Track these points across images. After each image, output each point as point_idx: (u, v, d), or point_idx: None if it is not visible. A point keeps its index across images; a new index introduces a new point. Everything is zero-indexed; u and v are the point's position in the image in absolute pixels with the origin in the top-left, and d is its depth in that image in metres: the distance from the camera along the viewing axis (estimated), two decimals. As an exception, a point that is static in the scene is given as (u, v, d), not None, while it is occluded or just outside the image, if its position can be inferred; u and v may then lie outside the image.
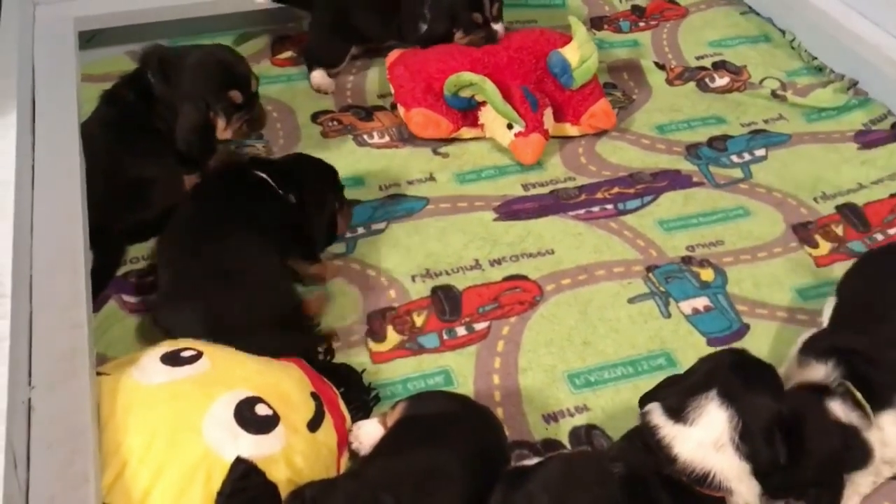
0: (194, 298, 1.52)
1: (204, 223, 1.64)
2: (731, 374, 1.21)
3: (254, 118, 1.93)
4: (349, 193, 1.90)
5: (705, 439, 1.18)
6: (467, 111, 2.10)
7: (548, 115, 2.08)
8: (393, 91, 2.20)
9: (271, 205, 1.71)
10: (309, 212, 1.75)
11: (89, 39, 2.32)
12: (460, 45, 2.20)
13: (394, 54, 2.26)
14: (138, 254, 1.80)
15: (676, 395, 1.22)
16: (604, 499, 1.17)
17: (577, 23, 2.15)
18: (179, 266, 1.60)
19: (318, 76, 2.28)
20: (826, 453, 1.27)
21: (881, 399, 1.34)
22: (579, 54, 2.08)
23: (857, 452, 1.30)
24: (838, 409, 1.31)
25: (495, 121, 2.07)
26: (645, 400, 1.28)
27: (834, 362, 1.37)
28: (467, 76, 2.02)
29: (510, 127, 2.04)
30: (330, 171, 1.85)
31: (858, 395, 1.31)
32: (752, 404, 1.18)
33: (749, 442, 1.17)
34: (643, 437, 1.21)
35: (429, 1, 2.20)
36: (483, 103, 2.07)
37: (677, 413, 1.20)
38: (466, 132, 2.12)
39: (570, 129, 2.15)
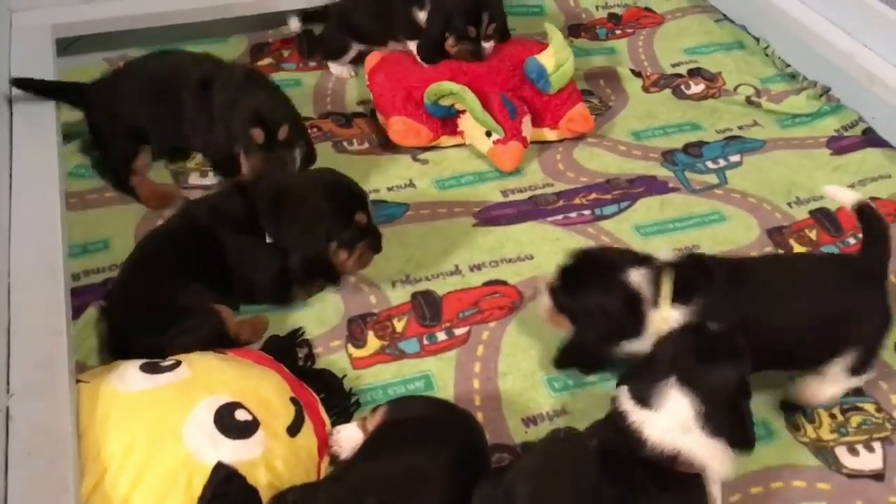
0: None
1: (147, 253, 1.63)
2: (689, 356, 1.23)
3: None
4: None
5: (672, 424, 1.20)
6: (447, 119, 2.12)
7: (526, 122, 2.10)
8: (373, 99, 2.21)
9: (221, 239, 1.61)
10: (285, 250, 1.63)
11: (67, 46, 2.32)
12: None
13: (373, 59, 2.27)
14: (117, 261, 1.79)
15: (641, 381, 1.24)
16: (582, 484, 1.19)
17: (553, 29, 2.18)
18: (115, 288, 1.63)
19: (333, 66, 2.39)
20: None
21: None
22: (555, 59, 2.11)
23: None
24: None
25: (474, 128, 2.09)
26: (621, 381, 1.31)
27: None
28: (447, 85, 2.04)
29: (489, 135, 2.06)
30: (341, 200, 1.64)
31: None
32: (711, 384, 1.20)
33: (715, 421, 1.20)
34: (615, 420, 1.24)
35: None
36: (463, 111, 2.09)
37: (643, 399, 1.22)
38: (446, 140, 2.14)
39: (549, 134, 2.17)
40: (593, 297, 1.46)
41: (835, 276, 1.52)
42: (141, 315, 1.51)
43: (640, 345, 1.44)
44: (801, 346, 1.48)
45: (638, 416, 1.21)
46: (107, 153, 1.96)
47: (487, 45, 2.16)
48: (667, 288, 1.43)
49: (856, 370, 1.49)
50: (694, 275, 1.45)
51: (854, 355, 1.48)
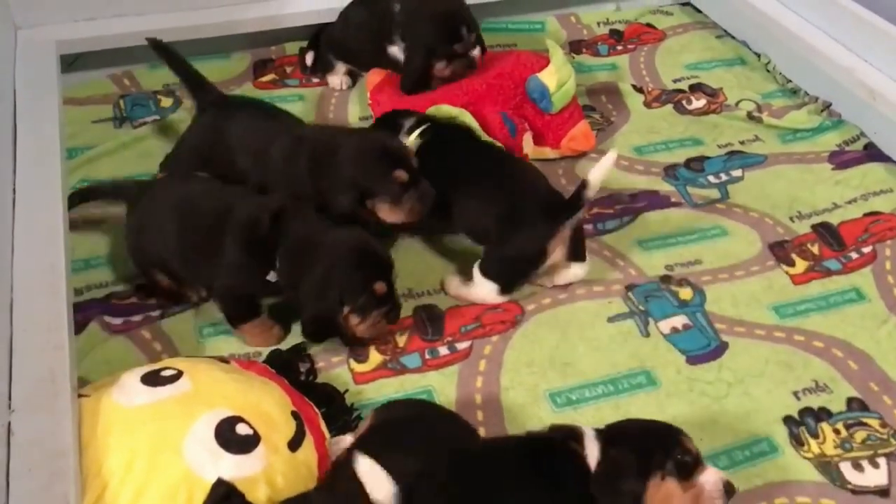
0: None
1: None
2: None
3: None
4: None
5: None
6: None
7: (527, 139, 2.10)
8: (374, 117, 2.21)
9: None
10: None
11: (72, 63, 2.33)
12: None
13: (375, 77, 2.28)
14: (119, 276, 1.80)
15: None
16: None
17: (555, 46, 2.19)
18: None
19: (329, 77, 2.42)
20: None
21: None
22: (557, 78, 2.11)
23: None
24: None
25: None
26: None
27: None
28: (446, 109, 2.04)
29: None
30: (363, 266, 1.58)
31: None
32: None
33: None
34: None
35: (399, 30, 2.21)
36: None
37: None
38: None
39: (551, 153, 2.17)
40: None
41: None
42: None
43: None
44: None
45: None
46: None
47: (475, 53, 2.18)
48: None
49: None
50: None
51: None
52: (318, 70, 2.43)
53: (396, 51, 2.22)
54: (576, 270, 1.79)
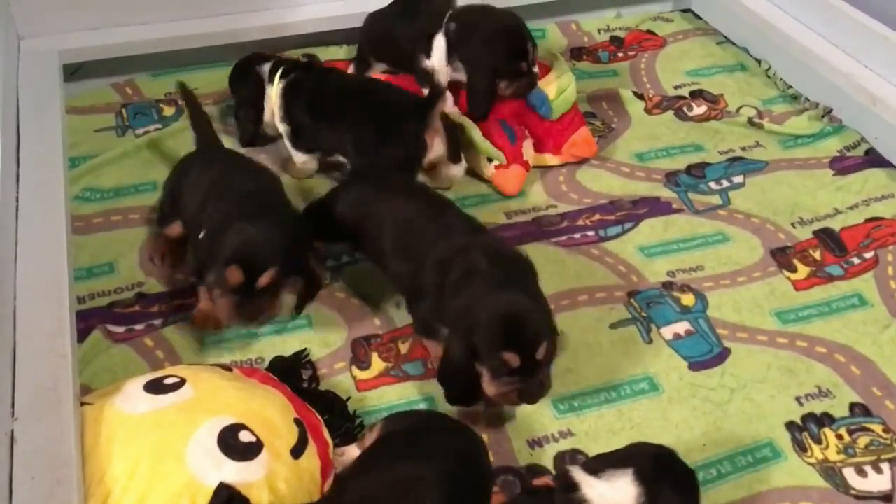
0: None
1: None
2: (652, 462, 1.22)
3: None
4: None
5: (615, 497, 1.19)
6: None
7: (527, 145, 2.11)
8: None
9: None
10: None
11: (74, 72, 2.34)
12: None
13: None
14: (122, 284, 1.80)
15: (599, 462, 1.24)
16: None
17: (555, 54, 2.19)
18: None
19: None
20: None
21: None
22: (556, 85, 2.12)
23: None
24: None
25: (475, 155, 2.09)
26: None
27: None
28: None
29: (490, 160, 2.07)
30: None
31: None
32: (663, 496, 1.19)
33: None
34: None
35: (456, 52, 2.10)
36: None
37: (595, 471, 1.21)
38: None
39: (552, 160, 2.17)
40: None
41: None
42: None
43: None
44: None
45: (584, 479, 1.20)
46: None
47: (536, 69, 2.12)
48: None
49: None
50: None
51: None
52: (357, 70, 2.37)
53: (430, 65, 2.16)
54: (454, 171, 2.02)
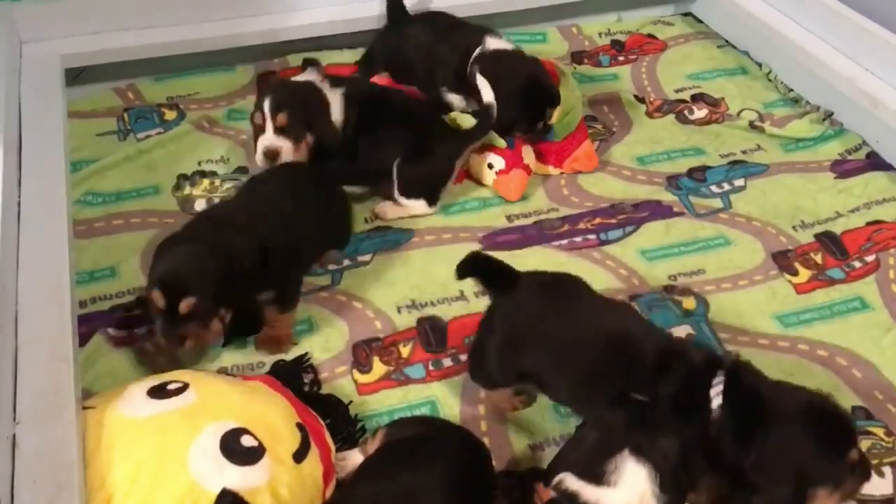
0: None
1: None
2: (634, 429, 1.22)
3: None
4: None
5: (631, 498, 1.17)
6: None
7: (527, 150, 2.11)
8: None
9: None
10: None
11: (76, 76, 2.34)
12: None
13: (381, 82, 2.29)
14: (124, 288, 1.80)
15: (588, 460, 1.21)
16: None
17: (564, 71, 2.20)
18: None
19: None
20: None
21: None
22: (560, 109, 2.11)
23: None
24: None
25: (475, 163, 2.10)
26: (549, 474, 1.26)
27: None
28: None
29: (490, 167, 2.08)
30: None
31: None
32: (662, 452, 1.19)
33: (667, 489, 1.18)
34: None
35: (477, 95, 2.06)
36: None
37: (596, 476, 1.19)
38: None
39: (553, 171, 2.18)
40: None
41: None
42: None
43: None
44: None
45: (592, 494, 1.18)
46: None
47: (552, 122, 2.12)
48: None
49: None
50: None
51: None
52: (363, 73, 2.37)
53: (452, 98, 2.18)
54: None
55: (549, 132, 2.13)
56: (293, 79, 2.04)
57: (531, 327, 1.44)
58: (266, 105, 1.87)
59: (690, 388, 1.32)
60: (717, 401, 1.30)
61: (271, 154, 1.86)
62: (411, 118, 2.02)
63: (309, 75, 2.00)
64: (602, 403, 1.34)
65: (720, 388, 1.31)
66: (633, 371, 1.36)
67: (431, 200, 2.02)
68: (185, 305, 1.46)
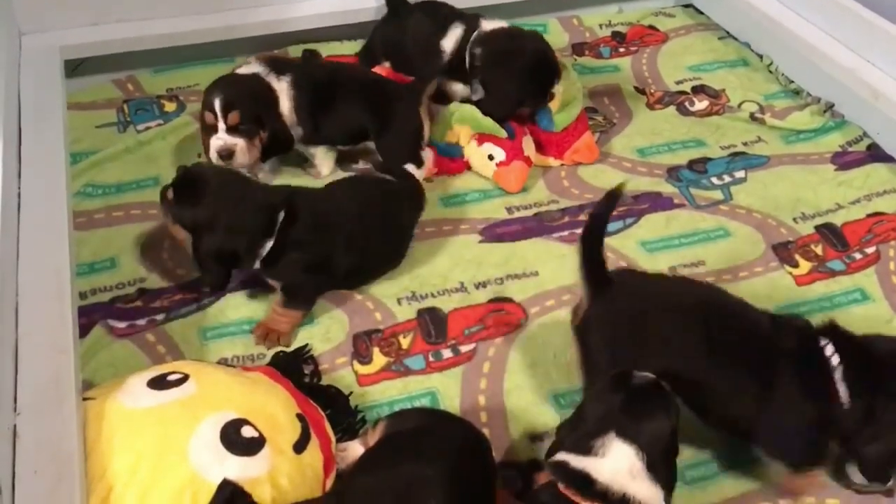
0: None
1: None
2: (624, 412, 1.22)
3: None
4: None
5: (620, 467, 1.18)
6: (455, 159, 2.13)
7: (527, 141, 2.11)
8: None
9: None
10: None
11: (76, 68, 2.34)
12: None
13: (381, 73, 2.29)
14: (124, 280, 1.80)
15: (579, 439, 1.23)
16: None
17: (565, 64, 2.19)
18: None
19: None
20: None
21: None
22: (561, 97, 2.11)
23: None
24: None
25: (477, 155, 2.10)
26: (550, 453, 1.27)
27: None
28: (451, 107, 2.07)
29: (491, 158, 2.07)
30: None
31: None
32: (650, 435, 1.20)
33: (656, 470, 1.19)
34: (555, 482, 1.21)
35: (479, 76, 2.08)
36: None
37: (585, 449, 1.20)
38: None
39: (553, 163, 2.18)
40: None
41: None
42: None
43: None
44: None
45: (583, 463, 1.19)
46: None
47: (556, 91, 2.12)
48: None
49: None
50: None
51: None
52: (364, 64, 2.35)
53: (457, 88, 2.16)
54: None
55: (548, 114, 2.12)
56: (238, 72, 2.03)
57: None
58: (217, 104, 1.88)
59: (809, 358, 1.38)
60: (835, 359, 1.36)
61: (226, 154, 1.88)
62: (366, 87, 2.03)
63: (254, 67, 2.00)
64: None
65: (831, 349, 1.37)
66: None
67: (418, 162, 2.02)
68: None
